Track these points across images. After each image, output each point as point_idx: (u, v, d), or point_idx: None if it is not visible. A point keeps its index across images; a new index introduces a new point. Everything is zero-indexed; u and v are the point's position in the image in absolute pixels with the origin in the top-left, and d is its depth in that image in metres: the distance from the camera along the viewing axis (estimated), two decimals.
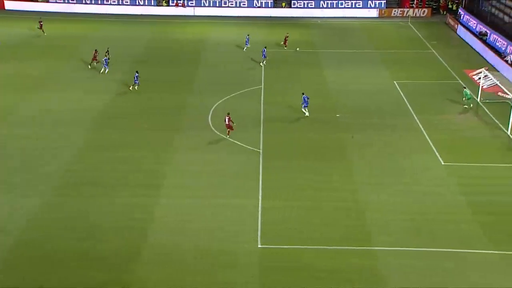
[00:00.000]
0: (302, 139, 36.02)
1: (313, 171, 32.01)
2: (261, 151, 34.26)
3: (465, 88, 42.05)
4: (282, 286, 23.09)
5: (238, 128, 37.13)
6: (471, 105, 40.70)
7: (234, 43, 57.27)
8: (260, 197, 29.28)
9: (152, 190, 29.88)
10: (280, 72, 48.58)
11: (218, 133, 36.58)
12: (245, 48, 54.20)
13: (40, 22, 58.54)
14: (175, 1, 69.98)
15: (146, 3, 70.59)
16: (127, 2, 70.60)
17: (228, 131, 35.69)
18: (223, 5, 70.08)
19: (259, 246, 25.44)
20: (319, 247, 25.35)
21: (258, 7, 69.93)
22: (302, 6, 70.16)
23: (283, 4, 70.34)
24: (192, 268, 24.04)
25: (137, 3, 70.57)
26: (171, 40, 58.78)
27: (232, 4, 70.12)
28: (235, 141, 35.39)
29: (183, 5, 69.91)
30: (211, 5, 70.07)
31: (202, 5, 70.08)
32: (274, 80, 46.45)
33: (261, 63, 49.59)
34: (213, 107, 40.68)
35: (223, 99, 42.22)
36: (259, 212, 27.93)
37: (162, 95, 43.15)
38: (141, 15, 69.22)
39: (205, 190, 30.04)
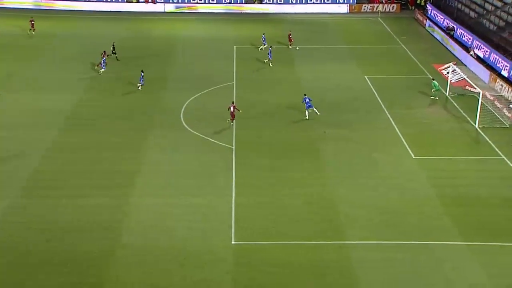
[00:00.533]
0: (274, 135, 36.11)
1: (286, 167, 32.14)
2: (234, 147, 34.25)
3: (433, 79, 42.77)
4: (256, 282, 23.17)
5: (210, 125, 37.14)
6: (437, 97, 41.36)
7: (205, 39, 57.04)
8: (233, 194, 29.28)
9: (125, 190, 29.61)
10: (252, 68, 48.56)
11: (191, 130, 36.45)
12: (261, 47, 52.63)
13: (31, 21, 56.24)
14: None
15: (114, 0, 69.62)
16: None
17: (232, 119, 36.65)
18: (191, 1, 69.54)
19: (233, 242, 25.46)
20: (292, 242, 25.49)
21: (229, 3, 69.75)
22: (273, 2, 70.21)
23: (255, 0, 70.28)
24: (166, 267, 23.93)
25: (106, 0, 69.55)
26: (143, 37, 58.17)
27: (201, 1, 69.61)
28: (208, 138, 35.31)
29: (153, 2, 69.27)
30: (181, 1, 69.56)
31: (171, 1, 69.49)
32: (245, 77, 46.41)
33: (270, 64, 48.30)
34: (185, 105, 40.50)
35: (195, 96, 42.07)
36: (233, 209, 27.95)
37: (134, 94, 42.75)
38: (110, 11, 68.34)
39: (178, 189, 29.91)
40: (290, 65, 49.50)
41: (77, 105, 40.40)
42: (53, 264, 23.92)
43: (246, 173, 31.38)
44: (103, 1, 69.34)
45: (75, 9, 68.23)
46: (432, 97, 41.60)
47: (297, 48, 53.65)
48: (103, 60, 46.41)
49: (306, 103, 37.91)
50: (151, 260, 24.31)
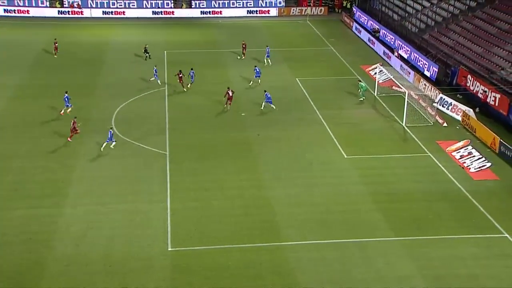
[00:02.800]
0: (208, 139, 36.03)
1: (221, 170, 32.13)
2: (167, 153, 33.90)
3: (360, 81, 44.04)
4: (194, 287, 22.97)
5: (143, 131, 36.62)
6: (364, 97, 42.54)
7: (135, 45, 56.07)
8: (168, 200, 28.98)
9: (55, 199, 28.73)
10: (184, 73, 48.17)
11: (123, 137, 35.77)
12: (265, 62, 49.95)
13: (55, 43, 51.80)
14: (70, 3, 67.37)
15: (39, 4, 67.21)
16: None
17: (230, 103, 39.71)
18: (112, 6, 68.00)
19: (169, 249, 25.19)
20: (229, 246, 25.49)
21: (158, 7, 68.95)
22: (202, 6, 70.01)
23: (184, 4, 69.88)
24: (101, 277, 23.37)
25: (26, 4, 66.98)
26: (68, 43, 56.52)
27: (134, 5, 68.47)
28: (141, 145, 34.79)
29: (78, 7, 67.44)
30: (108, 6, 68.04)
31: (97, 6, 67.83)
32: (177, 82, 45.94)
33: (258, 82, 44.96)
34: (117, 111, 39.72)
35: (126, 102, 41.35)
36: (168, 215, 27.65)
37: (63, 101, 41.43)
38: (32, 17, 65.99)
39: (112, 196, 29.30)
40: (222, 68, 49.52)
41: (2, 113, 38.78)
42: None
43: (181, 178, 31.14)
44: (24, 6, 66.74)
45: None
46: (360, 99, 42.75)
47: (240, 57, 52.48)
48: (155, 70, 44.60)
49: (267, 97, 39.92)
50: (85, 270, 23.66)
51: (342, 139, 36.22)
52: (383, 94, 43.68)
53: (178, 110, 40.39)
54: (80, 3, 67.21)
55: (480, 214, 28.40)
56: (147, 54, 51.02)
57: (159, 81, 44.49)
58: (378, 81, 45.02)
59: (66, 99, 38.32)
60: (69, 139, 34.61)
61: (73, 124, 34.58)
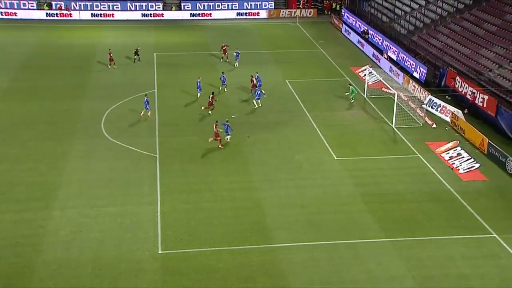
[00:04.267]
0: (198, 141, 35.95)
1: (211, 172, 32.08)
2: (157, 155, 33.80)
3: (350, 85, 44.16)
4: None
5: (133, 134, 36.51)
6: (355, 99, 42.67)
7: (125, 47, 55.93)
8: (158, 202, 28.88)
9: (44, 202, 28.54)
10: (173, 75, 48.18)
11: (113, 140, 35.62)
12: (235, 64, 49.85)
13: (110, 53, 49.47)
14: (58, 5, 66.99)
15: (21, 6, 66.68)
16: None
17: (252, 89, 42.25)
18: (96, 8, 67.57)
19: (160, 251, 25.10)
20: (220, 248, 25.44)
21: (147, 10, 68.80)
22: (191, 8, 69.94)
23: (173, 7, 69.77)
24: (91, 280, 23.24)
25: (8, 6, 66.35)
26: (58, 45, 56.35)
27: (118, 8, 68.25)
28: (131, 147, 34.66)
29: (67, 9, 67.12)
30: (94, 8, 67.69)
31: (85, 8, 67.48)
32: (167, 84, 45.93)
33: (262, 92, 42.19)
34: (106, 113, 39.55)
35: (116, 105, 41.18)
36: (158, 218, 27.56)
37: (51, 103, 41.32)
38: (20, 19, 65.56)
39: (101, 199, 29.15)
40: (212, 71, 49.43)
41: None
42: None
43: (171, 180, 31.06)
44: (7, 8, 66.23)
45: None
46: (352, 101, 42.83)
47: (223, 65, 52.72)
48: (198, 82, 42.77)
49: (257, 94, 41.05)
50: (75, 274, 23.52)
51: (332, 140, 36.30)
52: (373, 96, 43.84)
53: (168, 112, 40.27)
54: (64, 5, 66.75)
55: (469, 214, 28.58)
56: (136, 56, 50.87)
57: (199, 93, 42.36)
58: (367, 83, 45.18)
59: (145, 102, 38.40)
60: (220, 145, 34.70)
61: (216, 127, 34.84)
